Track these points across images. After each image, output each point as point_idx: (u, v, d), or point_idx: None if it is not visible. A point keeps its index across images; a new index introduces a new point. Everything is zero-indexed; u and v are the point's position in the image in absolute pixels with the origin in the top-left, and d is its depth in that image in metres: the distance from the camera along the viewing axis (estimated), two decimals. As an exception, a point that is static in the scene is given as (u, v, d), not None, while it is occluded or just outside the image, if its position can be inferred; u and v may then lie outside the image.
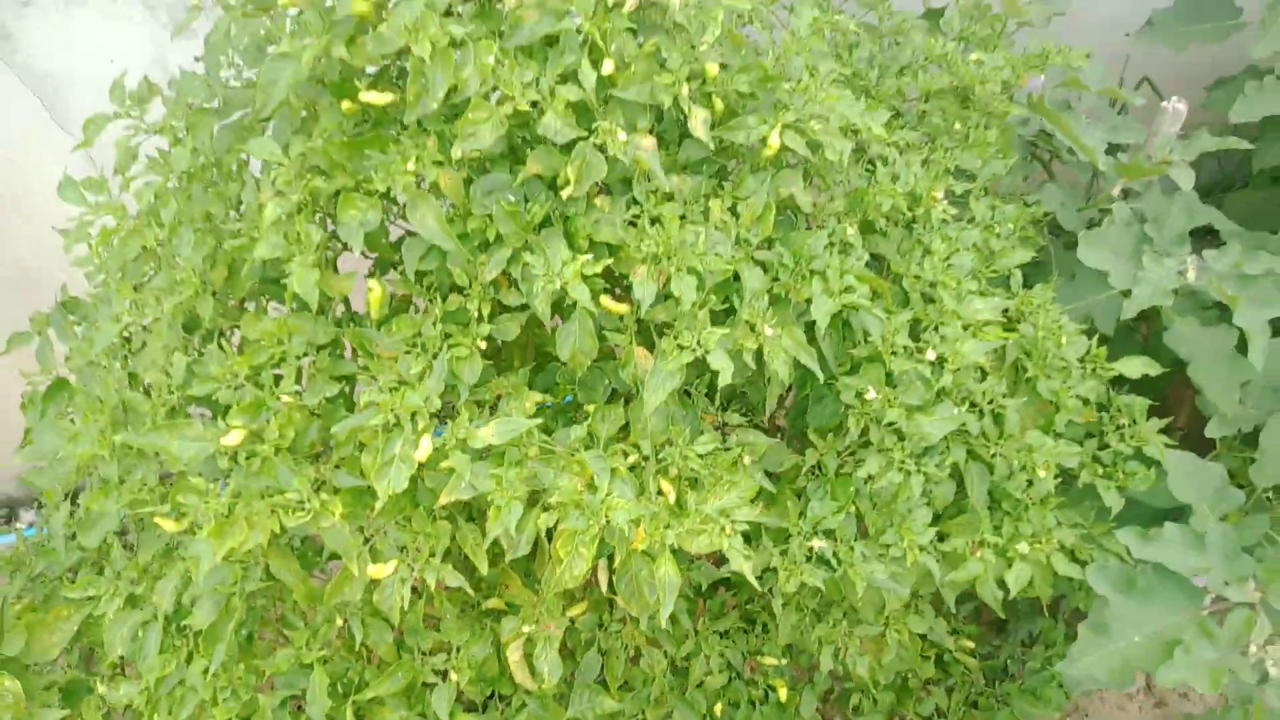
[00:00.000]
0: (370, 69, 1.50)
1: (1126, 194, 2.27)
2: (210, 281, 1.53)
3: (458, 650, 1.57)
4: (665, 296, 1.42)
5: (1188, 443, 2.12)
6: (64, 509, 1.65)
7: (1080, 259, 1.93)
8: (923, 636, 1.97)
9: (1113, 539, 1.77)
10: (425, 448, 1.34)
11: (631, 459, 1.48)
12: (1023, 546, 1.68)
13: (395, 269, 1.74)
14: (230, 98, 1.62)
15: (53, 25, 2.25)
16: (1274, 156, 2.42)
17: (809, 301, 1.49)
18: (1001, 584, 1.70)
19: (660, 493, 1.46)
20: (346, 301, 1.70)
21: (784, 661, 1.98)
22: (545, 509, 1.38)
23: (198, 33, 1.70)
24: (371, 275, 1.66)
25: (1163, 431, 1.81)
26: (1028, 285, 1.81)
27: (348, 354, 1.57)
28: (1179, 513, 1.83)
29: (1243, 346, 1.89)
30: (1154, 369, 1.81)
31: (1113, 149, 2.32)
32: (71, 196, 1.58)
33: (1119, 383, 1.84)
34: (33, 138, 2.39)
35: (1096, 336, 1.82)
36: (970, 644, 2.25)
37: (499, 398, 1.50)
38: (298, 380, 1.46)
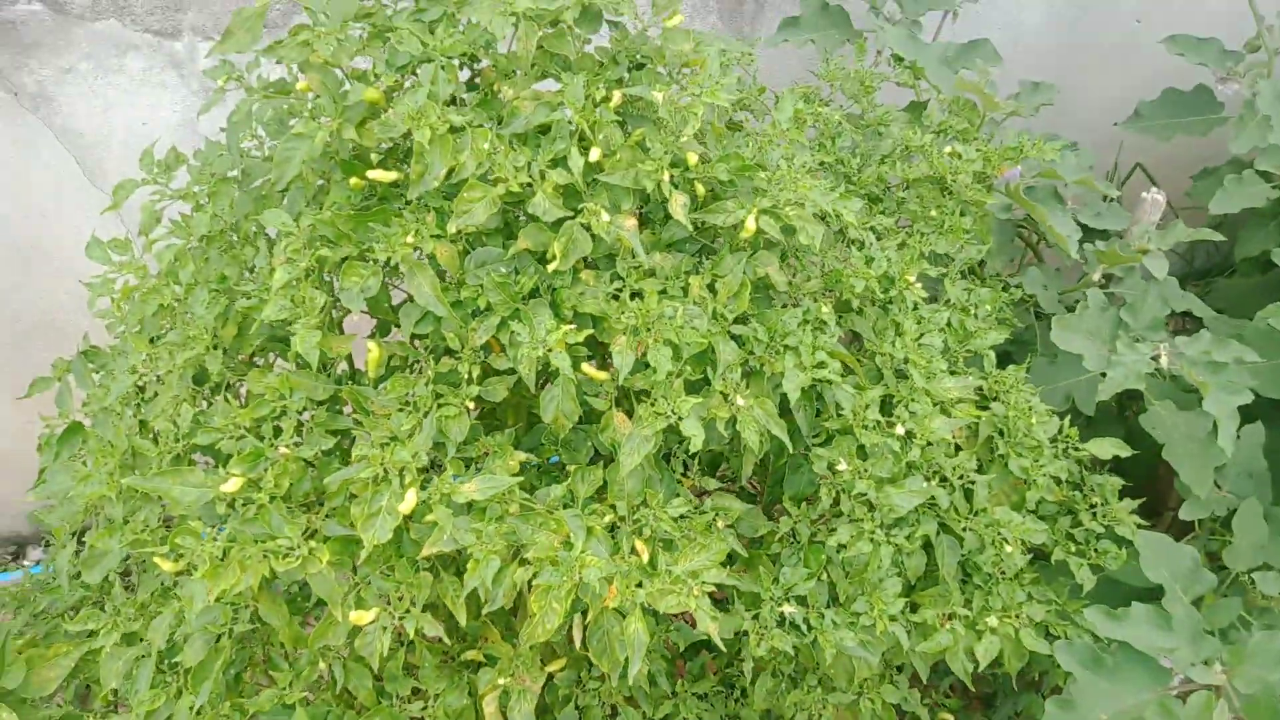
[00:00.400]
0: (384, 145, 1.62)
1: (1109, 279, 2.34)
2: (221, 338, 1.63)
3: (435, 698, 1.62)
4: (644, 366, 1.51)
5: (1178, 524, 2.14)
6: (70, 546, 1.73)
7: (1054, 341, 2.00)
8: (897, 707, 1.99)
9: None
10: (410, 501, 1.41)
11: (608, 519, 1.54)
12: (992, 620, 1.72)
13: (398, 329, 1.84)
14: (251, 167, 1.74)
15: (91, 90, 2.40)
16: (1254, 246, 2.49)
17: (783, 375, 1.57)
18: (971, 656, 1.73)
19: (634, 552, 1.52)
20: (350, 360, 1.80)
21: (761, 727, 2.01)
22: (523, 564, 1.45)
23: (228, 102, 1.82)
24: (373, 336, 1.76)
25: (1151, 512, 1.84)
26: (1004, 365, 1.88)
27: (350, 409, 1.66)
28: (1155, 592, 1.86)
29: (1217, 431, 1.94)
30: (1124, 450, 1.86)
31: (1095, 234, 2.40)
32: (98, 255, 1.70)
33: (1103, 462, 1.87)
34: (67, 194, 2.52)
35: (1068, 417, 1.87)
36: (950, 716, 2.26)
37: (485, 455, 1.58)
38: (298, 433, 1.55)
